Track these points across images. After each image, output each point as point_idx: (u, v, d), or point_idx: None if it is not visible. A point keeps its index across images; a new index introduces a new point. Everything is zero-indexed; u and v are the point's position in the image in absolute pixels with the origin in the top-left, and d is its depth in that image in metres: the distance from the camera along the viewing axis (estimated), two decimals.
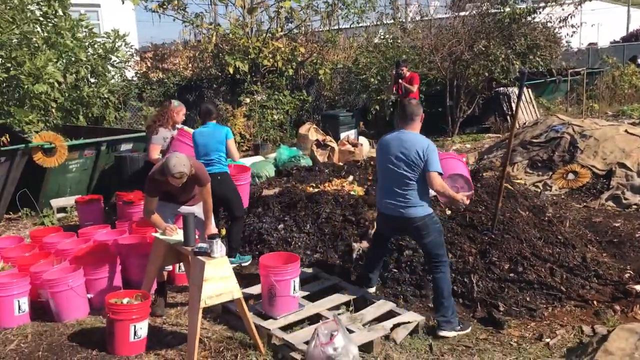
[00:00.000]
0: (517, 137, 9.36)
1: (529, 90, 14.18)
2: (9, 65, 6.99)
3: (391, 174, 4.24)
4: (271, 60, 12.64)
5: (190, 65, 13.92)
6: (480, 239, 5.15)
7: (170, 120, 5.90)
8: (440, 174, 4.18)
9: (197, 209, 4.81)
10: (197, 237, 4.26)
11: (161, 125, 5.85)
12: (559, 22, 13.10)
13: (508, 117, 13.23)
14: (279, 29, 13.08)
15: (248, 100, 12.35)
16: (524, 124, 10.80)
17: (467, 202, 4.45)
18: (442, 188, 4.18)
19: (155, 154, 5.78)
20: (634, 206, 6.96)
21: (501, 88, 13.53)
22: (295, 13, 12.90)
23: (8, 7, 6.97)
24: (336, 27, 14.44)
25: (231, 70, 12.13)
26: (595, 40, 42.55)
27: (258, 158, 9.66)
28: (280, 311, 4.34)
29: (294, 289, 4.38)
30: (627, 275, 4.99)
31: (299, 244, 5.63)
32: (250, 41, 12.39)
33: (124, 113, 10.88)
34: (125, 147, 8.26)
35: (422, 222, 4.20)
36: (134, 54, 12.90)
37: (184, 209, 4.84)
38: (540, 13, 12.82)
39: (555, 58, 14.00)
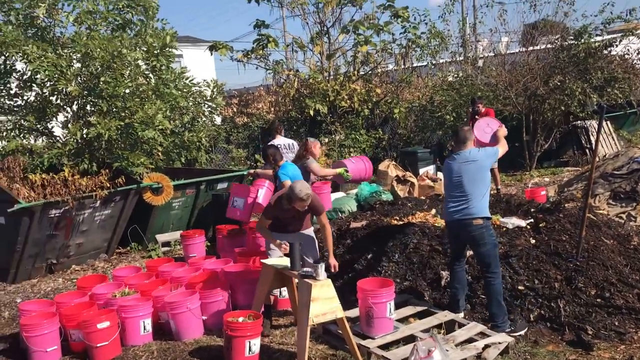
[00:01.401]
0: (597, 169, 9.40)
1: (608, 122, 14.05)
2: (123, 114, 7.90)
3: None
4: (348, 101, 13.29)
5: (272, 109, 14.78)
6: (565, 265, 5.35)
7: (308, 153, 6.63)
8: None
9: (305, 232, 5.31)
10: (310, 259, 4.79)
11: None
12: (637, 54, 13.04)
13: (587, 150, 13.17)
14: (356, 72, 13.74)
15: (327, 139, 12.98)
16: (604, 156, 10.79)
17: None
18: (503, 146, 5.21)
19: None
20: None
21: (579, 122, 13.52)
22: (370, 56, 13.55)
23: (122, 63, 7.91)
24: (410, 67, 14.97)
25: (311, 113, 12.84)
26: None
27: (340, 194, 10.13)
28: (378, 331, 4.72)
29: (390, 311, 4.76)
30: None
31: (389, 272, 5.98)
32: (328, 84, 13.10)
33: (215, 155, 11.73)
34: (221, 185, 8.99)
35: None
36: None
37: (292, 236, 5.28)
38: (617, 46, 12.84)
39: (635, 90, 13.84)
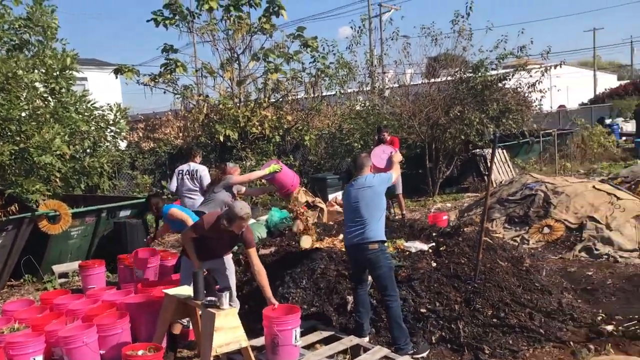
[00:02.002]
0: (494, 195, 9.96)
1: (504, 151, 14.97)
2: (18, 138, 7.45)
3: None
4: (259, 127, 13.30)
5: (180, 134, 14.52)
6: (464, 287, 5.57)
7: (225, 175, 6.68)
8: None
9: (225, 258, 5.21)
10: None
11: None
12: (528, 87, 14.04)
13: (485, 177, 13.90)
14: (266, 99, 13.81)
15: (238, 166, 12.87)
16: (501, 182, 11.44)
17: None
18: (397, 169, 5.52)
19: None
20: (605, 256, 7.47)
21: (477, 150, 14.29)
22: (281, 84, 13.68)
23: (18, 85, 7.50)
24: (320, 95, 15.26)
25: (221, 138, 12.72)
26: (565, 102, 44.40)
27: (250, 221, 10.04)
28: (282, 359, 4.67)
29: (295, 338, 4.73)
30: (599, 318, 5.43)
31: (296, 298, 5.97)
32: (239, 110, 13.07)
33: (119, 181, 11.30)
34: (123, 213, 8.65)
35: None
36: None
37: (205, 263, 5.10)
38: (510, 79, 13.76)
39: (527, 120, 14.84)
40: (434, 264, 6.01)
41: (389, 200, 10.50)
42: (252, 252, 4.96)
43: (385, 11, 41.84)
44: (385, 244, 5.15)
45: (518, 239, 8.44)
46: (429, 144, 13.44)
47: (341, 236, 7.85)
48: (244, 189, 7.43)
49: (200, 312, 4.68)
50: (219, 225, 4.78)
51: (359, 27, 14.97)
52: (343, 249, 6.99)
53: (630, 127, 28.16)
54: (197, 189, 8.12)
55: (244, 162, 12.84)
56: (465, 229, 7.09)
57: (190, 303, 4.65)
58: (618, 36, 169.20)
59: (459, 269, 5.84)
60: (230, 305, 4.38)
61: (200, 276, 4.56)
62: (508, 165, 14.86)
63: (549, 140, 17.36)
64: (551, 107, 33.00)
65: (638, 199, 8.62)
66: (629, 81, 42.09)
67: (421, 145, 13.63)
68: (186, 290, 4.80)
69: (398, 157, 5.65)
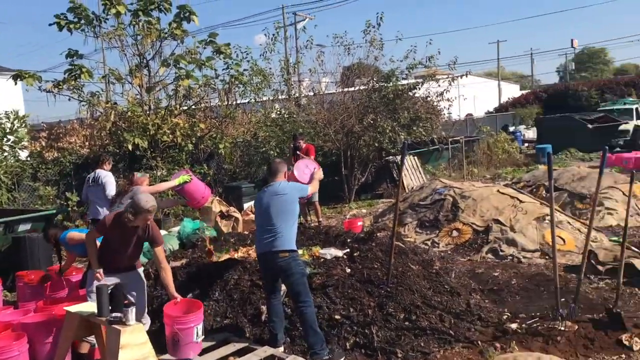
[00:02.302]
0: (406, 200, 10.21)
1: (415, 158, 15.42)
2: None
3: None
4: (170, 136, 12.91)
5: (87, 143, 13.85)
6: (377, 292, 5.63)
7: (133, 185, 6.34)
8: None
9: (132, 274, 4.98)
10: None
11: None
12: (437, 96, 14.56)
13: (398, 183, 14.24)
14: (178, 106, 13.46)
15: (148, 175, 12.43)
16: (412, 188, 11.74)
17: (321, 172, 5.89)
18: (315, 187, 5.63)
19: None
20: (509, 257, 7.83)
21: (390, 157, 14.63)
22: (193, 91, 13.38)
23: None
24: (234, 103, 15.07)
25: (130, 147, 12.24)
26: (472, 111, 46.50)
27: (161, 232, 9.72)
28: (184, 355, 4.61)
29: (197, 335, 4.64)
30: (505, 317, 5.65)
31: (209, 311, 5.80)
32: (149, 118, 12.64)
33: (19, 194, 10.60)
34: (23, 227, 8.10)
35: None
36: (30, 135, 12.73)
37: (110, 279, 4.89)
38: (419, 89, 14.20)
39: (436, 128, 15.38)
40: (348, 270, 6.04)
41: (306, 208, 10.53)
42: (160, 250, 4.91)
43: (300, 20, 42.22)
44: (297, 251, 5.11)
45: (429, 243, 8.68)
46: (345, 152, 13.61)
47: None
48: None
49: (105, 329, 4.43)
50: (123, 220, 4.64)
51: (273, 35, 14.95)
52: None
53: (531, 134, 29.91)
54: (103, 196, 7.79)
55: (155, 172, 12.41)
56: (378, 234, 7.21)
57: (94, 320, 4.40)
58: (520, 48, 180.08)
59: (372, 274, 5.90)
60: (140, 321, 4.19)
61: (105, 291, 4.32)
62: (419, 171, 15.32)
63: (457, 147, 18.10)
64: (459, 116, 34.48)
65: (538, 201, 9.11)
66: (529, 91, 44.72)
67: (337, 153, 13.79)
68: (90, 306, 4.54)
69: (320, 175, 5.81)
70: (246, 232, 8.90)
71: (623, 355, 4.79)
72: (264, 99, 15.48)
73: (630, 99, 28.68)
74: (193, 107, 13.92)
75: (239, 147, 14.83)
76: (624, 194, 10.11)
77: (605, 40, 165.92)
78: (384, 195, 14.24)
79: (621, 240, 7.60)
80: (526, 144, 27.12)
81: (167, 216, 11.87)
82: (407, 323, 5.31)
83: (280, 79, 14.98)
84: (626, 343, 4.91)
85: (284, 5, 41.51)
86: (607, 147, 5.71)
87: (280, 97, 15.28)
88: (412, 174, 14.90)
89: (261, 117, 15.25)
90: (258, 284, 6.03)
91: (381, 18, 13.44)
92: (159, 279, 5.10)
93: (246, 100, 15.00)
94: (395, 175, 14.64)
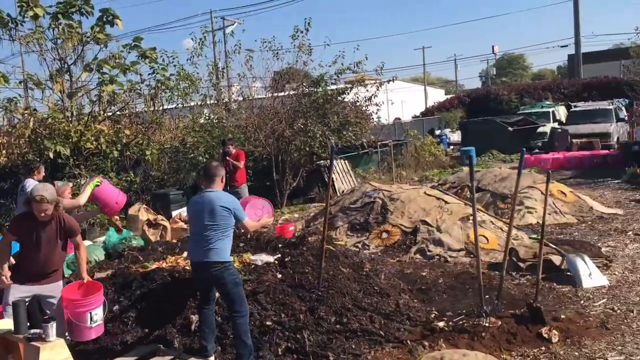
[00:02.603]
0: (337, 204, 10.31)
1: (346, 162, 15.60)
2: None
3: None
4: (94, 143, 12.46)
5: (4, 151, 13.14)
6: (309, 297, 5.64)
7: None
8: None
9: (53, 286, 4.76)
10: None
11: None
12: (365, 101, 14.80)
13: (327, 187, 14.36)
14: (102, 112, 13.02)
15: (71, 184, 11.94)
16: (343, 192, 11.87)
17: (271, 219, 5.56)
18: (254, 227, 5.32)
19: None
20: (436, 257, 8.05)
21: (322, 161, 14.73)
22: (117, 96, 12.98)
23: None
24: (161, 108, 14.74)
25: (51, 155, 11.72)
26: (400, 115, 47.57)
27: (86, 243, 9.37)
28: (78, 338, 4.66)
29: (91, 320, 4.60)
30: (432, 316, 5.80)
31: (136, 323, 5.64)
32: (71, 125, 12.16)
33: None
34: None
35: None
36: None
37: (31, 289, 4.67)
38: (348, 93, 14.39)
39: (366, 132, 15.62)
40: (280, 276, 6.02)
41: None
42: (79, 238, 4.90)
43: (229, 24, 41.94)
44: (231, 262, 5.00)
45: (360, 245, 8.79)
46: (276, 156, 13.59)
47: (185, 254, 7.60)
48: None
49: (23, 347, 4.21)
50: (29, 214, 4.57)
51: (200, 40, 14.74)
52: (187, 267, 6.77)
53: (456, 137, 30.94)
54: None
55: (78, 180, 11.94)
56: (309, 239, 7.22)
57: (10, 338, 4.17)
58: (445, 54, 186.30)
59: (304, 279, 5.91)
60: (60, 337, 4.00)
61: (22, 306, 4.11)
62: (350, 175, 15.50)
63: (386, 151, 18.46)
64: (387, 120, 35.23)
65: (463, 202, 9.42)
66: (454, 95, 46.26)
67: (268, 158, 13.74)
68: (6, 323, 4.31)
69: (266, 221, 5.84)
70: (175, 241, 8.72)
71: (543, 348, 5.03)
72: (192, 104, 15.22)
73: (547, 102, 30.19)
74: (118, 113, 13.51)
75: (167, 153, 14.50)
76: (542, 193, 10.63)
77: (524, 46, 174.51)
78: (316, 200, 14.32)
79: (540, 237, 8.01)
80: (452, 147, 28.03)
81: (93, 226, 11.45)
82: (338, 326, 5.35)
83: (209, 83, 14.78)
84: (546, 336, 5.16)
85: (212, 9, 41.23)
86: (525, 149, 5.99)
87: (208, 102, 15.06)
88: (343, 177, 15.06)
89: (189, 122, 14.98)
90: (187, 294, 5.91)
91: (309, 24, 13.55)
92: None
93: (173, 106, 14.70)
94: (326, 180, 14.74)
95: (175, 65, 13.77)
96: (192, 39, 14.54)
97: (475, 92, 40.48)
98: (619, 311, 5.71)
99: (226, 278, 4.83)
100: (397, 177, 17.39)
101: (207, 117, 14.52)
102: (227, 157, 10.48)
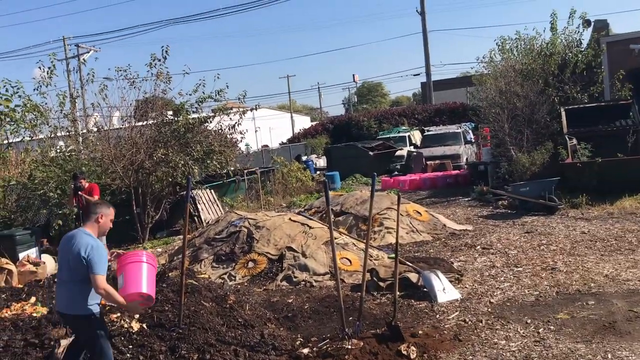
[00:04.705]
0: (202, 235, 10.06)
1: (212, 191, 15.34)
2: None
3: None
4: None
5: None
6: (169, 335, 5.39)
7: None
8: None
9: None
10: None
11: None
12: (229, 129, 14.71)
13: (195, 218, 14.01)
14: None
15: None
16: (208, 222, 11.61)
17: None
18: (106, 292, 4.20)
19: None
20: (302, 282, 8.10)
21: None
22: None
23: None
24: (5, 142, 13.54)
25: None
26: (268, 142, 48.00)
27: None
28: None
29: None
30: (298, 343, 5.79)
31: None
32: None
33: None
34: None
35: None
36: None
37: None
38: (211, 122, 14.21)
39: (231, 161, 15.48)
40: (137, 316, 5.70)
41: None
42: None
43: (84, 52, 39.93)
44: (93, 312, 4.38)
45: (226, 276, 8.61)
46: (135, 189, 13.00)
47: (33, 299, 7.00)
48: None
49: None
50: None
51: (49, 68, 13.78)
52: (34, 313, 6.23)
53: (322, 162, 31.75)
54: None
55: None
56: (170, 274, 6.95)
57: None
58: (308, 83, 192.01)
59: (163, 317, 5.66)
60: None
61: None
62: (217, 204, 15.25)
63: (254, 178, 18.44)
64: (256, 147, 35.36)
65: (326, 226, 9.61)
66: (318, 122, 47.59)
67: (127, 191, 13.10)
68: None
69: (122, 301, 4.40)
70: (21, 285, 7.97)
71: None
72: (41, 136, 14.14)
73: (403, 127, 32.09)
74: None
75: (14, 190, 13.31)
76: (400, 214, 11.18)
77: (382, 75, 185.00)
78: (181, 232, 13.83)
79: (395, 256, 8.37)
80: (318, 172, 28.70)
81: None
82: None
83: (59, 114, 13.82)
84: (405, 353, 5.33)
85: (64, 36, 39.01)
86: (375, 174, 6.25)
87: (60, 134, 14.08)
88: (209, 207, 14.77)
89: (37, 156, 13.89)
90: (34, 343, 5.42)
91: (167, 51, 13.21)
92: None
93: (19, 139, 13.57)
94: (192, 210, 14.37)
95: (20, 96, 12.73)
96: (39, 67, 13.54)
97: (338, 119, 41.94)
98: (469, 322, 6.09)
99: (87, 332, 4.42)
100: (266, 204, 17.39)
101: (58, 150, 13.55)
102: (80, 192, 9.83)
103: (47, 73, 13.30)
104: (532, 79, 15.75)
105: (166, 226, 14.15)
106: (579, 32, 16.83)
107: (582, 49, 16.79)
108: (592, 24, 17.78)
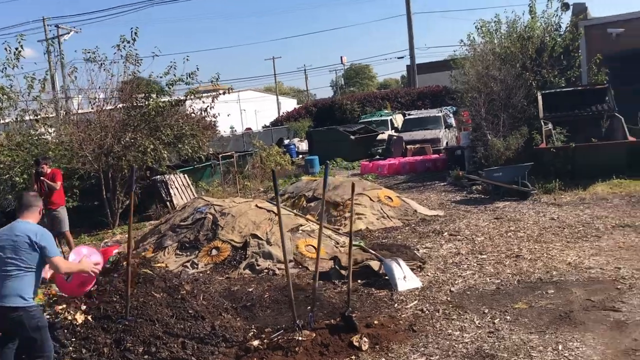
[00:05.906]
0: (168, 222, 9.88)
1: (185, 175, 15.11)
2: None
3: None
4: None
5: None
6: (115, 328, 5.25)
7: None
8: None
9: None
10: None
11: None
12: (201, 112, 14.44)
13: (167, 203, 13.81)
14: None
15: None
16: (175, 208, 11.42)
17: (99, 268, 4.98)
18: (68, 267, 4.64)
19: None
20: (265, 270, 7.97)
21: (158, 176, 14.11)
22: None
23: None
24: None
25: None
26: (254, 125, 47.64)
27: None
28: None
29: None
30: (250, 334, 5.66)
31: None
32: None
33: None
34: None
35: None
36: None
37: None
38: (182, 105, 13.93)
39: (204, 145, 15.23)
40: (84, 307, 5.54)
41: (56, 239, 9.58)
42: None
43: (64, 33, 39.21)
44: (32, 304, 4.38)
45: (189, 264, 8.46)
46: (105, 173, 12.77)
47: None
48: None
49: None
50: None
51: (16, 49, 13.38)
52: None
53: (304, 146, 31.55)
54: None
55: None
56: (124, 263, 6.76)
57: None
58: (295, 65, 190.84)
59: (110, 308, 5.50)
60: None
61: None
62: (190, 189, 15.03)
63: (232, 162, 18.23)
64: (242, 130, 34.97)
65: (293, 213, 9.47)
66: (302, 105, 47.29)
67: (96, 175, 12.86)
68: None
69: (87, 265, 4.79)
70: None
71: (353, 357, 5.09)
72: (7, 120, 13.79)
73: (385, 111, 31.89)
74: None
75: None
76: (371, 199, 11.07)
77: (369, 57, 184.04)
78: (153, 217, 13.66)
79: (362, 244, 8.27)
80: (300, 156, 28.50)
81: None
82: (146, 356, 5.03)
83: (27, 97, 13.47)
84: (356, 344, 5.23)
85: (44, 17, 38.22)
86: (328, 162, 6.08)
87: (28, 117, 13.74)
88: (182, 192, 14.55)
89: (3, 140, 13.57)
90: None
91: (136, 33, 12.87)
92: None
93: None
94: (164, 195, 14.16)
95: None
96: (5, 48, 13.13)
97: (322, 102, 41.66)
98: (427, 312, 6.00)
99: (26, 324, 4.30)
100: (243, 189, 17.19)
101: (24, 135, 13.22)
102: (42, 178, 9.59)
103: (14, 54, 12.93)
104: (510, 62, 15.60)
105: (138, 211, 13.93)
106: (557, 15, 16.65)
107: (561, 33, 16.65)
108: (571, 7, 17.61)
